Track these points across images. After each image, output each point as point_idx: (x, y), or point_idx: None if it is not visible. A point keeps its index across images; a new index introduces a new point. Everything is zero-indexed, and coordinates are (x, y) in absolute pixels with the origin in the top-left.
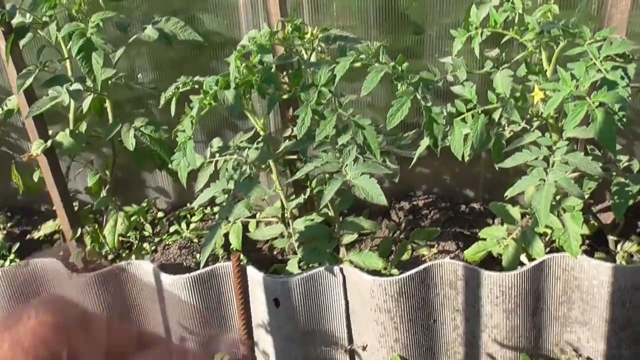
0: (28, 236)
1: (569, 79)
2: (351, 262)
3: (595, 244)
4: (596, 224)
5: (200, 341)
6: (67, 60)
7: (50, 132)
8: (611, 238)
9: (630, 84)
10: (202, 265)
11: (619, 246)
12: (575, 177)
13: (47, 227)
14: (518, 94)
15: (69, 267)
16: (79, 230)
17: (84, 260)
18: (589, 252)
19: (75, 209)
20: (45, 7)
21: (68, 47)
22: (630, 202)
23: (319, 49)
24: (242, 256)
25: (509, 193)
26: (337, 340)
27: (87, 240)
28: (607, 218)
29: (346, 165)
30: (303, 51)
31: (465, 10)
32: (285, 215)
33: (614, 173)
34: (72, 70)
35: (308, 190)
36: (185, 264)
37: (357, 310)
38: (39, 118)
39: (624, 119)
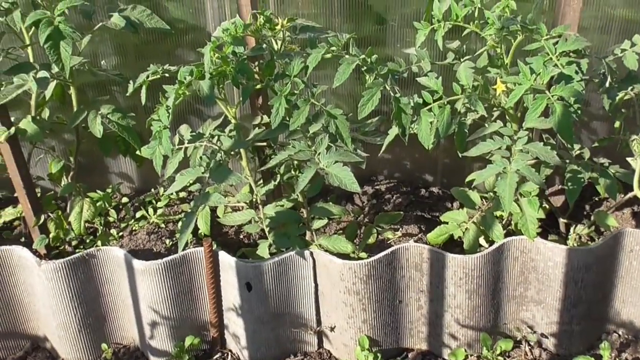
0: None
1: (528, 73)
2: (320, 246)
3: (547, 226)
4: (547, 206)
5: (171, 324)
6: (29, 47)
7: (12, 119)
8: (562, 221)
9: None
10: (180, 250)
11: (571, 229)
12: (532, 164)
13: (7, 214)
14: (477, 84)
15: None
16: (42, 217)
17: (47, 247)
18: (542, 234)
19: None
20: None
21: (30, 34)
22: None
23: (288, 39)
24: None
25: (476, 181)
26: (307, 322)
27: (51, 226)
28: (557, 201)
29: (319, 154)
30: (273, 42)
31: (427, 2)
32: (255, 201)
33: (567, 161)
34: (34, 56)
35: (278, 176)
36: (155, 249)
37: (326, 293)
38: (1, 106)
39: (579, 112)
